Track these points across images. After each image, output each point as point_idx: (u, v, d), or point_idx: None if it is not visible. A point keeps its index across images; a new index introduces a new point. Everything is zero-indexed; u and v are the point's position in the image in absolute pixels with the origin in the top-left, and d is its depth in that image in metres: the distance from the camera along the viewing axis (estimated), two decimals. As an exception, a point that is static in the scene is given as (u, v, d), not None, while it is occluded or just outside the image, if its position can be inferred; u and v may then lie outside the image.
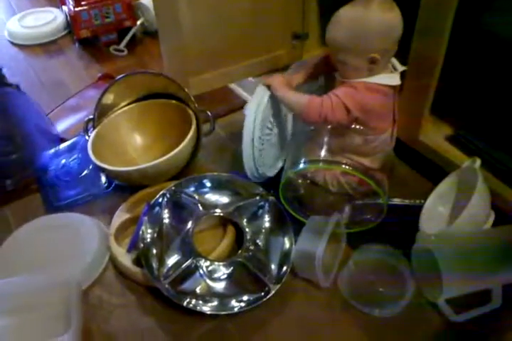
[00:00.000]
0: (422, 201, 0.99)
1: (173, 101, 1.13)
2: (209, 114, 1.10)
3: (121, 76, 1.09)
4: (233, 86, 1.39)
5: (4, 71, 1.21)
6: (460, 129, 1.01)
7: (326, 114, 0.88)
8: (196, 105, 1.08)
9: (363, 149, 0.96)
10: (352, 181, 0.97)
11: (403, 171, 1.10)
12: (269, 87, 0.97)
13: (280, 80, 0.96)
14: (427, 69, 0.93)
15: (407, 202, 1.02)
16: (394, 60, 0.93)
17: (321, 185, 1.00)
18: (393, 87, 0.92)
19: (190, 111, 1.08)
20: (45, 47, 1.66)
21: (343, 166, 0.90)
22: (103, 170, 1.02)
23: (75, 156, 1.14)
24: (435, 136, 1.02)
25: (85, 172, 1.12)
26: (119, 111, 1.14)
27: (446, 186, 0.98)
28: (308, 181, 1.01)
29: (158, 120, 1.15)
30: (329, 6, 0.93)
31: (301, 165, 0.92)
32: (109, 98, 1.11)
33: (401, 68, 0.93)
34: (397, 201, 1.01)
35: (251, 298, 0.86)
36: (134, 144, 1.16)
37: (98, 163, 1.01)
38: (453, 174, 0.97)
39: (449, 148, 1.00)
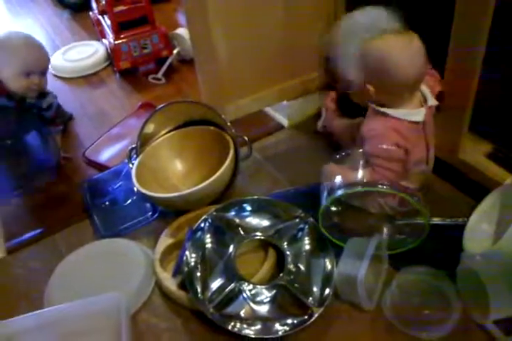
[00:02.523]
0: (465, 219, 0.97)
1: (211, 128, 1.16)
2: (246, 139, 1.12)
3: (160, 106, 1.13)
4: (268, 109, 1.41)
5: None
6: (499, 146, 1.00)
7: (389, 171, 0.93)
8: (233, 130, 1.10)
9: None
10: (391, 201, 0.97)
11: (444, 189, 1.08)
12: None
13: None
14: (463, 88, 0.93)
15: (448, 220, 1.00)
16: (428, 95, 0.94)
17: (360, 207, 1.00)
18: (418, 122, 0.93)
19: (228, 137, 1.11)
20: (87, 79, 1.74)
21: (381, 186, 0.90)
22: (147, 197, 1.06)
23: (120, 184, 1.19)
24: (474, 153, 1.01)
25: (130, 200, 1.17)
26: (160, 139, 1.18)
27: (489, 203, 0.96)
28: (345, 205, 1.01)
29: (198, 146, 1.18)
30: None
31: (340, 191, 0.92)
32: (149, 127, 1.16)
33: (432, 102, 0.93)
34: (437, 220, 0.99)
35: (295, 322, 0.86)
36: (175, 170, 1.20)
37: (142, 190, 1.05)
38: (495, 191, 0.96)
39: (489, 165, 0.99)
